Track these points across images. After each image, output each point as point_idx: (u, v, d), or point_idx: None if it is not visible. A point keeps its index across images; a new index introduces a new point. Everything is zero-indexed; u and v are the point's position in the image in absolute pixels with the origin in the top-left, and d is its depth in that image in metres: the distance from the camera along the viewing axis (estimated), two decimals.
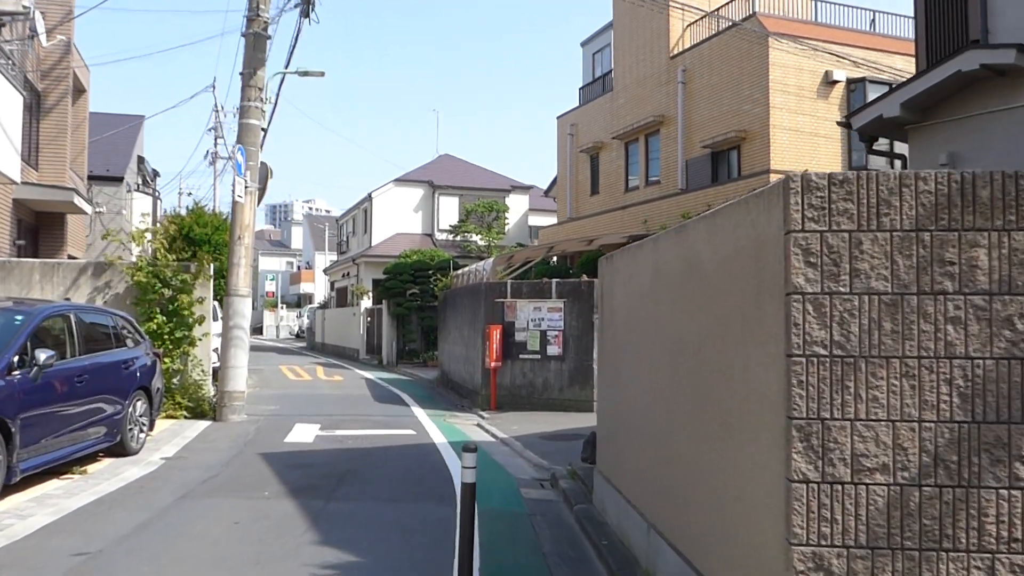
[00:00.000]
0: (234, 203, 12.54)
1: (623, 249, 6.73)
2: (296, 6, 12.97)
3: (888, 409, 3.14)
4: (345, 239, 42.99)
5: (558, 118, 29.48)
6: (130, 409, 9.28)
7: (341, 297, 41.17)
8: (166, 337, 12.82)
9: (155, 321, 12.71)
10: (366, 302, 33.49)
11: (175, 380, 12.97)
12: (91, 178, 26.72)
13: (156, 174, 36.44)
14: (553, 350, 14.99)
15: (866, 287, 3.19)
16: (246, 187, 12.44)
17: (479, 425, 13.43)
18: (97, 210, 27.10)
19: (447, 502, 7.60)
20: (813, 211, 3.24)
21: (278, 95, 13.84)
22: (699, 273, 4.47)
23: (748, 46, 19.66)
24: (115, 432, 8.94)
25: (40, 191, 15.19)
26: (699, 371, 4.43)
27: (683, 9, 20.10)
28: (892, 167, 22.12)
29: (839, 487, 3.13)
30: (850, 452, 3.14)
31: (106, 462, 8.97)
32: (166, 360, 12.73)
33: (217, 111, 46.16)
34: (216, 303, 19.42)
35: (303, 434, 11.53)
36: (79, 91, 21.03)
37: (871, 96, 19.81)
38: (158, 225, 23.78)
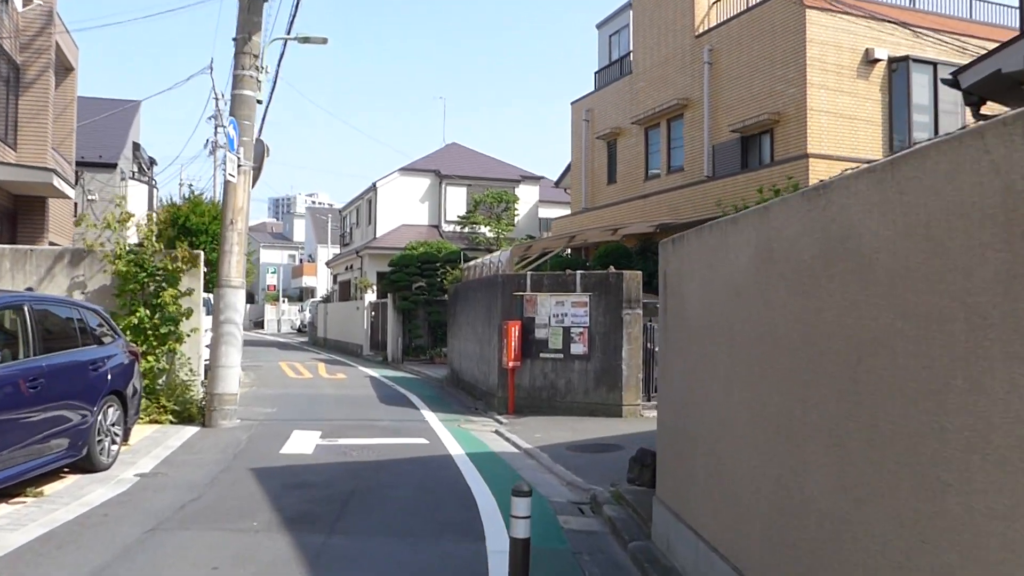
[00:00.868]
0: (226, 183, 11.20)
1: (697, 230, 5.39)
2: None
3: None
4: (348, 231, 41.66)
5: (572, 103, 28.10)
6: (100, 417, 7.97)
7: (344, 291, 39.86)
8: (149, 333, 11.51)
9: (137, 315, 11.40)
10: (370, 296, 32.18)
11: (160, 381, 11.67)
12: (83, 164, 25.43)
13: (153, 162, 35.12)
14: (577, 349, 13.66)
15: None
16: (239, 165, 11.11)
17: (497, 432, 12.12)
18: (89, 198, 25.82)
19: (473, 535, 6.29)
20: None
21: (278, 67, 12.54)
22: (856, 254, 3.14)
23: (783, 22, 18.28)
24: (81, 444, 7.63)
25: (15, 171, 13.85)
26: (857, 393, 3.10)
27: None
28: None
29: None
30: None
31: (69, 480, 7.66)
32: (149, 359, 11.43)
33: (217, 99, 44.89)
34: (208, 296, 18.17)
35: (302, 443, 10.22)
36: (67, 69, 19.70)
37: (915, 76, 18.47)
38: (152, 213, 22.48)
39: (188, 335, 11.92)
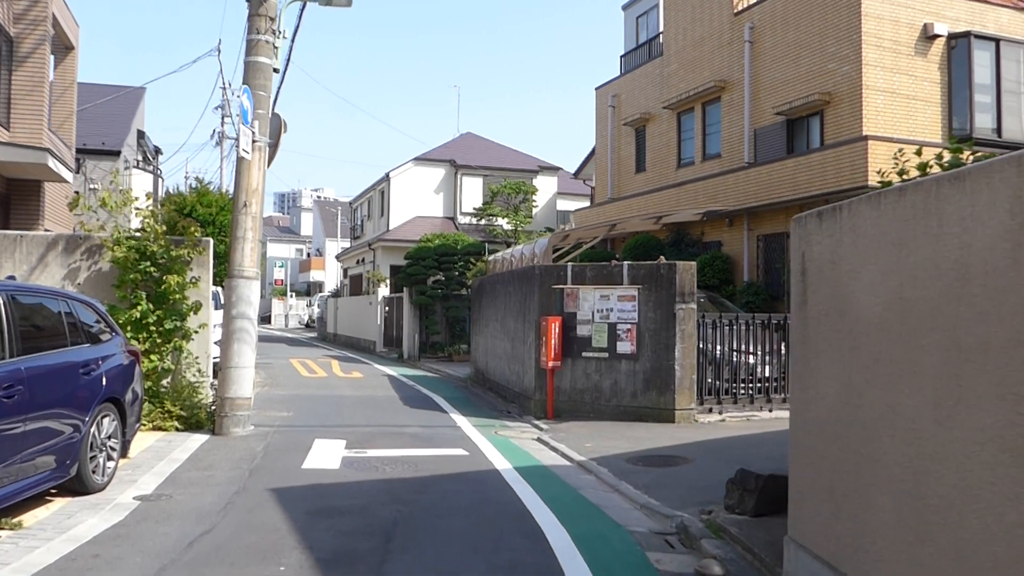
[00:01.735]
0: (239, 160, 9.93)
1: (869, 197, 4.10)
2: None
3: None
4: (359, 223, 40.40)
5: (597, 89, 26.77)
6: (92, 429, 6.72)
7: (355, 285, 38.62)
8: (153, 329, 10.27)
9: (139, 308, 10.16)
10: (383, 290, 30.93)
11: (164, 383, 10.42)
12: (84, 151, 24.24)
13: (158, 151, 33.90)
14: (624, 347, 12.38)
15: None
16: (253, 140, 9.83)
17: (540, 440, 10.85)
18: (91, 186, 24.61)
19: None
20: None
21: (296, 32, 11.21)
22: None
23: None
24: (69, 462, 6.39)
25: (5, 151, 12.61)
26: None
27: None
28: None
29: None
30: None
31: (56, 505, 6.41)
32: (152, 358, 10.19)
33: (224, 88, 43.76)
34: (218, 289, 16.92)
35: (326, 455, 8.96)
36: (66, 48, 18.47)
37: (977, 54, 17.13)
38: (150, 193, 21.26)
39: (196, 331, 10.68)
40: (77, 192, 11.34)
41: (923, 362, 3.50)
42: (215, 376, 11.89)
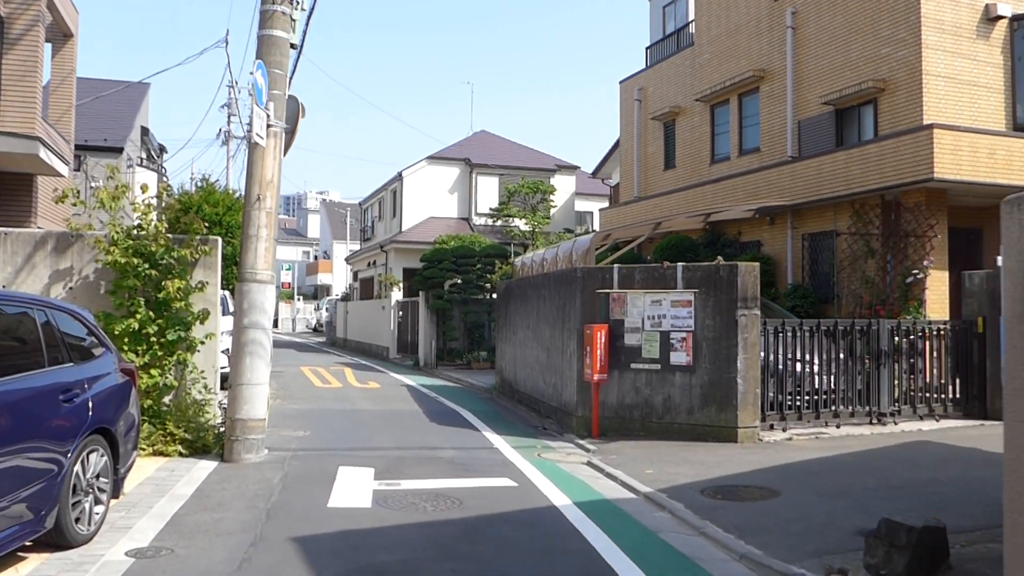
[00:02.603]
0: (251, 147, 8.68)
1: None
2: None
3: None
4: (370, 225, 39.16)
5: (621, 83, 25.53)
6: (76, 468, 5.48)
7: (366, 288, 37.39)
8: (153, 340, 9.02)
9: (137, 317, 8.91)
10: (396, 294, 29.73)
11: (166, 400, 9.17)
12: (86, 148, 23.12)
13: (163, 149, 32.74)
14: (679, 358, 11.10)
15: None
16: (268, 124, 8.59)
17: (591, 464, 9.59)
18: (93, 184, 23.43)
19: None
20: None
21: (310, 13, 9.93)
22: None
23: None
24: (46, 511, 5.14)
25: None
26: None
27: None
28: None
29: None
30: None
31: (28, 567, 5.16)
32: (153, 373, 8.94)
33: (232, 86, 42.70)
34: (226, 293, 15.71)
35: (354, 489, 7.69)
36: (65, 35, 17.28)
37: None
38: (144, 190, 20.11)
39: (202, 343, 9.43)
40: (69, 187, 10.07)
41: None
42: (224, 384, 10.66)
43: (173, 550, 5.60)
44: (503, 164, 32.95)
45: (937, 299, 14.71)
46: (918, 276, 14.61)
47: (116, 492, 6.26)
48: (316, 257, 72.71)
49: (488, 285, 24.55)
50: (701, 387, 10.95)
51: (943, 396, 12.64)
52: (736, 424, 10.70)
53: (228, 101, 35.84)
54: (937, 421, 12.35)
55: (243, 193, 10.68)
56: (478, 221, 32.10)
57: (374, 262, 35.45)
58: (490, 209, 31.86)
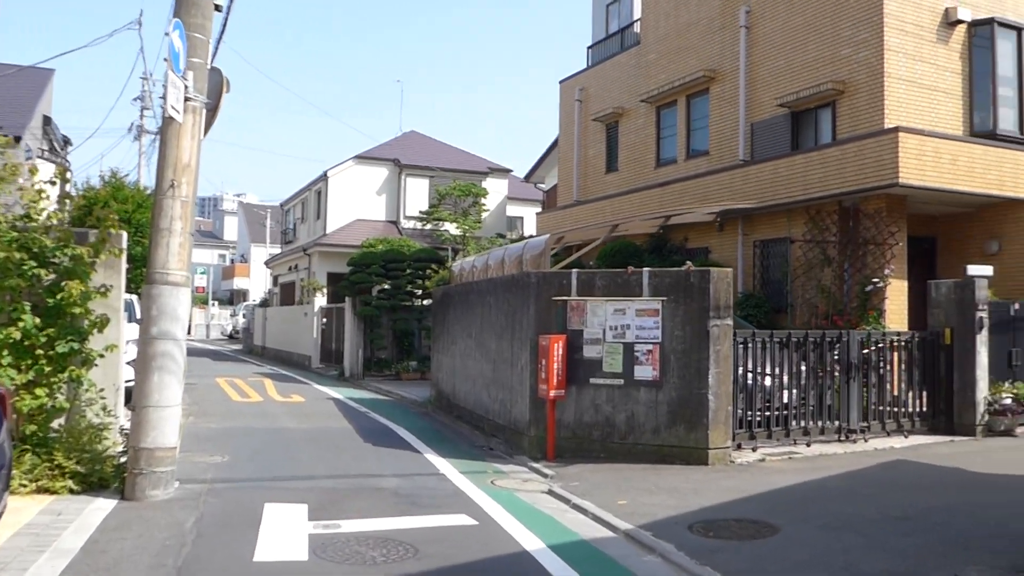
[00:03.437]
0: (165, 123, 7.29)
1: None
2: None
3: None
4: (292, 227, 37.36)
5: (561, 82, 24.62)
6: None
7: (287, 293, 35.58)
8: (40, 353, 7.53)
9: (20, 325, 7.42)
10: (320, 299, 28.15)
11: (56, 425, 7.69)
12: None
13: (67, 141, 30.37)
14: (644, 372, 10.09)
15: None
16: (186, 97, 7.23)
17: (552, 493, 8.49)
18: None
19: None
20: None
21: None
22: None
23: None
24: None
25: None
26: None
27: None
28: None
29: None
30: None
31: None
32: (39, 393, 7.47)
33: (146, 78, 40.38)
34: (132, 297, 14.13)
35: (284, 534, 6.39)
36: None
37: (1000, 42, 15.48)
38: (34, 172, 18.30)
39: (101, 355, 7.97)
40: None
41: None
42: (128, 402, 9.18)
43: None
44: (434, 166, 31.73)
45: (896, 309, 14.12)
46: (878, 285, 13.99)
47: None
48: (233, 261, 70.01)
49: (419, 291, 23.30)
50: (669, 404, 9.97)
51: (910, 411, 12.00)
52: (707, 445, 9.75)
53: (141, 94, 33.53)
54: (906, 437, 11.70)
55: (154, 191, 9.22)
56: (407, 224, 30.78)
57: (296, 266, 33.74)
58: (420, 212, 30.58)
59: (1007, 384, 12.34)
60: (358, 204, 30.85)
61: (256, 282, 57.81)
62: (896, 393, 11.90)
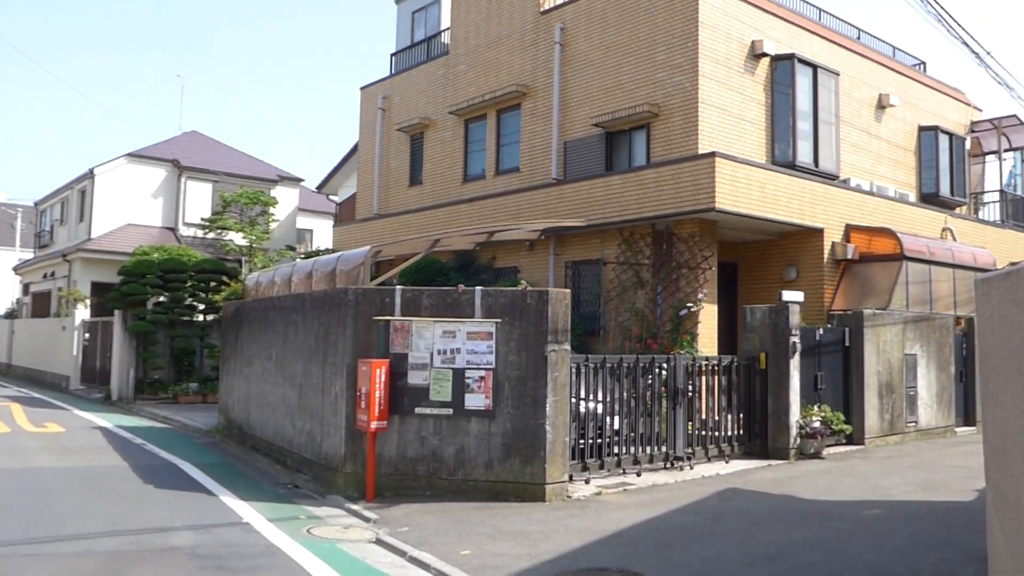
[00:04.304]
0: None
1: None
2: None
3: None
4: (48, 229, 33.22)
5: (363, 89, 23.42)
6: None
7: (41, 304, 31.50)
8: None
9: None
10: (83, 312, 25.02)
11: None
12: None
13: None
14: (476, 401, 9.21)
15: None
16: None
17: (381, 542, 7.39)
18: None
19: None
20: None
21: None
22: None
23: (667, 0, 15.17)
24: None
25: None
26: None
27: None
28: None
29: None
30: None
31: None
32: None
33: None
34: None
35: None
36: None
37: (799, 78, 16.17)
38: None
39: None
40: None
41: None
42: None
43: None
44: (218, 170, 29.31)
45: (707, 333, 14.20)
46: (692, 309, 14.00)
47: None
48: None
49: (202, 306, 21.15)
50: (503, 436, 9.15)
51: (729, 435, 11.96)
52: (544, 480, 9.03)
53: None
54: (727, 463, 11.60)
55: None
56: (187, 232, 28.16)
57: (53, 273, 29.93)
58: (202, 219, 28.06)
59: (815, 408, 12.62)
60: (130, 207, 27.83)
61: (3, 290, 51.36)
62: (717, 418, 11.80)
